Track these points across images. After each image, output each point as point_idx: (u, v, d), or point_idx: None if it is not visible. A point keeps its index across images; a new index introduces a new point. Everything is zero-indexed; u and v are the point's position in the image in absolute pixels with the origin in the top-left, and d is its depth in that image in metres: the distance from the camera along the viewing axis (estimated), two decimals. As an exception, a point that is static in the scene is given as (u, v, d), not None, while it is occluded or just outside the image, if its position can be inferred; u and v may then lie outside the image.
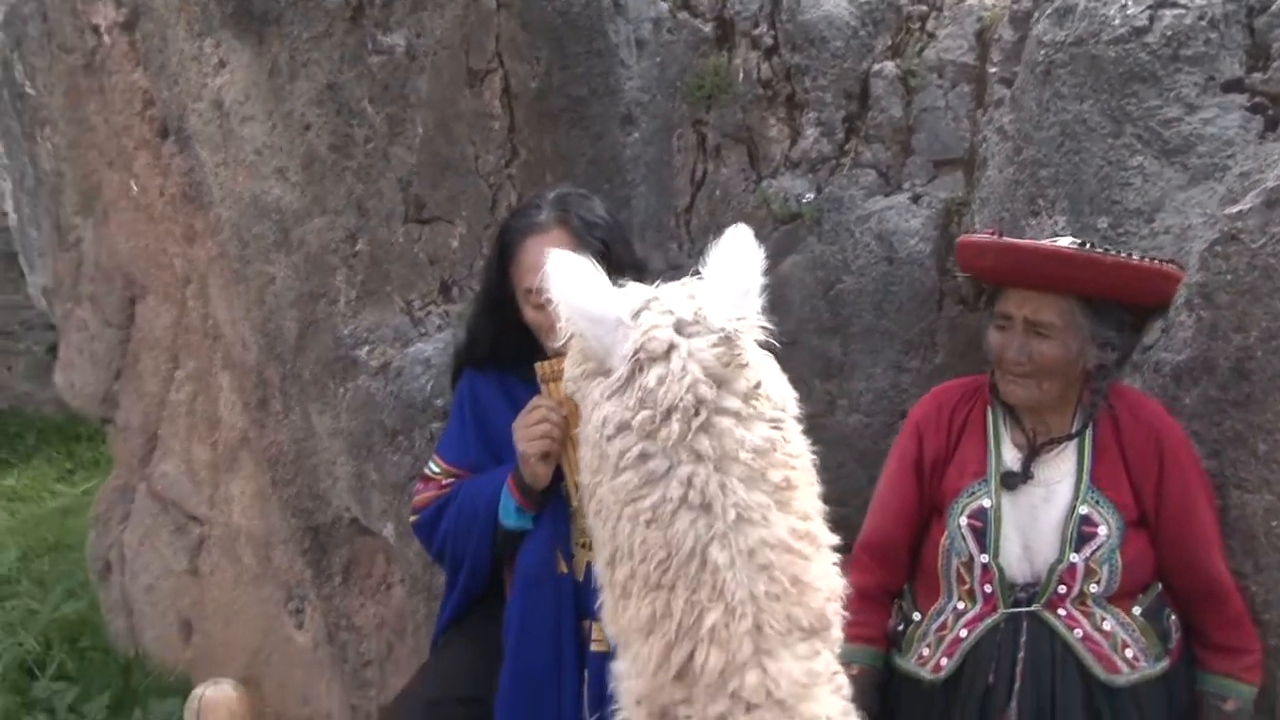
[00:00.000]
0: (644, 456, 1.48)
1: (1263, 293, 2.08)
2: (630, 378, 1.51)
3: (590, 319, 1.55)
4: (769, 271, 3.13)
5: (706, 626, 1.42)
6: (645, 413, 1.48)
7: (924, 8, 3.17)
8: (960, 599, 2.08)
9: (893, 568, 2.19)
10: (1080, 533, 2.01)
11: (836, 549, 1.57)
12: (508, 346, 2.43)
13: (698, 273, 1.73)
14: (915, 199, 3.00)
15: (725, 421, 1.46)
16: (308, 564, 3.30)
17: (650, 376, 1.49)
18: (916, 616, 2.16)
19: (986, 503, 2.06)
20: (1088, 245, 2.04)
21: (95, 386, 3.73)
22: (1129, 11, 2.44)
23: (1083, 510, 2.03)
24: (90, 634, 4.16)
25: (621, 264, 2.37)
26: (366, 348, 2.89)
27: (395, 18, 2.79)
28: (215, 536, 3.57)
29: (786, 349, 3.14)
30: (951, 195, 2.97)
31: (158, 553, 3.77)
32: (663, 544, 1.45)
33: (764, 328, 1.64)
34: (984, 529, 2.05)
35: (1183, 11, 2.39)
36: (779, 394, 1.55)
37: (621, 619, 1.51)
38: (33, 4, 3.32)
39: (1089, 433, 2.07)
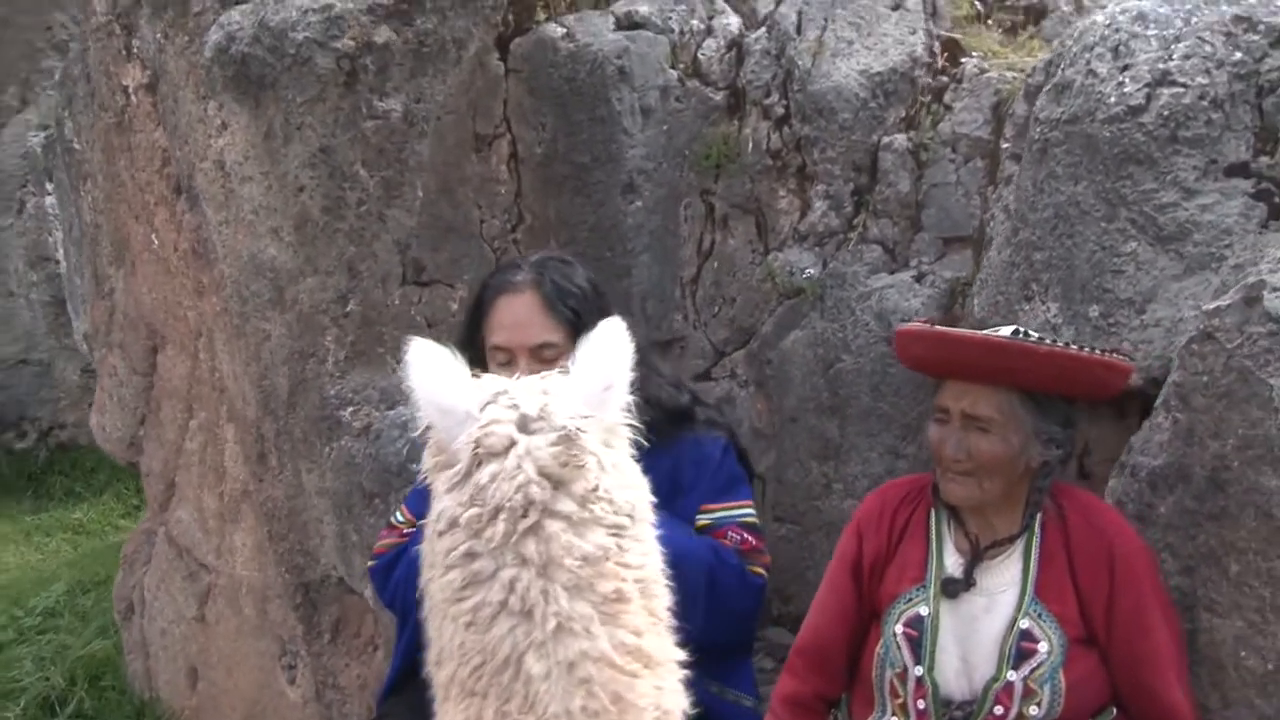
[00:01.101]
0: (470, 555, 1.40)
1: (1239, 398, 1.91)
2: (468, 473, 1.43)
3: (440, 410, 1.48)
4: (773, 346, 3.10)
5: None
6: (474, 510, 1.40)
7: (944, 79, 3.08)
8: (894, 713, 1.94)
9: (828, 674, 2.06)
10: (1019, 649, 1.86)
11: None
12: None
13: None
14: (919, 278, 2.89)
15: (555, 525, 1.37)
16: (300, 620, 3.30)
17: (484, 473, 1.41)
18: (847, 729, 2.02)
19: (924, 610, 1.93)
20: (1022, 334, 1.91)
21: (123, 431, 3.82)
22: (1126, 89, 2.30)
23: (1024, 624, 1.88)
24: (111, 673, 4.24)
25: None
26: (351, 408, 2.89)
27: (392, 83, 2.82)
28: (221, 585, 3.60)
29: (786, 427, 3.07)
30: (957, 275, 2.85)
31: (171, 598, 3.83)
32: (480, 649, 1.37)
33: (629, 425, 1.54)
34: (919, 639, 1.92)
35: (1181, 90, 2.25)
36: (625, 498, 1.45)
37: None
38: (79, 65, 3.47)
39: (1035, 538, 1.92)
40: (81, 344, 3.97)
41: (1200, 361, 1.99)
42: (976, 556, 1.94)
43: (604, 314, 2.39)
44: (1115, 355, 1.92)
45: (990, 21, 3.33)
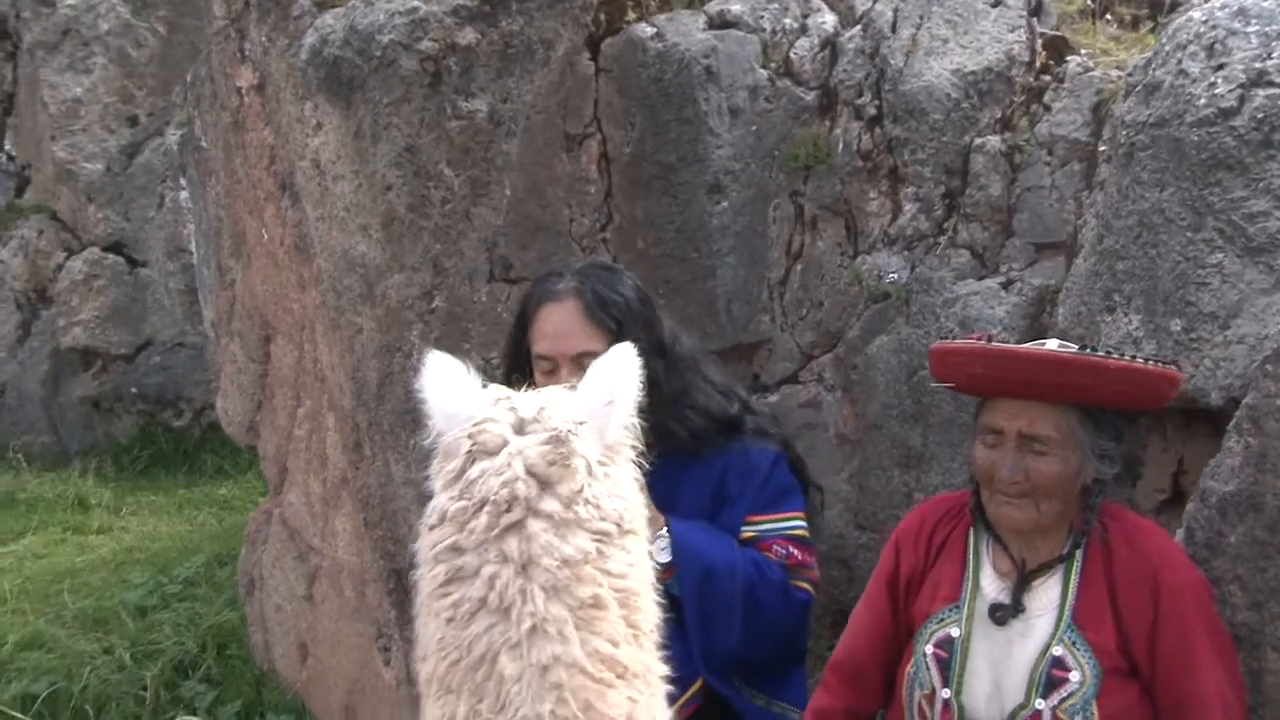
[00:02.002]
0: (455, 549, 1.42)
1: (1316, 424, 1.77)
2: (462, 470, 1.46)
3: (446, 415, 1.52)
4: (859, 351, 3.04)
5: None
6: (462, 503, 1.43)
7: (1046, 79, 2.94)
8: (922, 734, 1.88)
9: (861, 691, 2.01)
10: (1050, 677, 1.78)
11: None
12: None
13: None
14: (1007, 285, 2.78)
15: (537, 524, 1.39)
16: (393, 604, 3.40)
17: (476, 469, 1.45)
18: (879, 747, 1.97)
19: (955, 632, 1.86)
20: (1088, 350, 1.81)
21: (242, 415, 4.03)
22: (1217, 90, 2.16)
23: (1056, 651, 1.79)
24: (236, 644, 4.47)
25: (638, 345, 2.32)
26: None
27: (477, 84, 2.87)
28: (325, 568, 3.75)
29: (870, 434, 3.01)
30: (1047, 283, 2.73)
31: (284, 576, 4.01)
32: (457, 645, 1.39)
33: (632, 442, 1.56)
34: (949, 661, 1.85)
35: (1277, 91, 2.09)
36: (614, 507, 1.45)
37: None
38: (205, 67, 3.66)
39: (1077, 560, 1.82)
40: (209, 331, 4.20)
41: (1274, 384, 1.85)
42: (1023, 581, 1.85)
43: (648, 324, 2.40)
44: (1172, 366, 1.81)
45: (1108, 16, 3.17)
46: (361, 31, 2.78)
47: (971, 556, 1.91)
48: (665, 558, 2.22)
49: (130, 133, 6.57)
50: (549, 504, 1.40)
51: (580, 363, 2.27)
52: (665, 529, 2.25)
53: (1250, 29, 2.19)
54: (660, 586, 2.31)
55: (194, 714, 4.18)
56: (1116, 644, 1.77)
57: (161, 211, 5.18)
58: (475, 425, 1.47)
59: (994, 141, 2.84)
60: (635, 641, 1.43)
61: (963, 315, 2.77)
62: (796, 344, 3.17)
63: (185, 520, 6.01)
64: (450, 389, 1.56)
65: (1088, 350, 1.81)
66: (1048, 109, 2.85)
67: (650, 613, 1.48)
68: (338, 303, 3.12)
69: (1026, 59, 2.91)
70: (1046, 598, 1.83)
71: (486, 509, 1.41)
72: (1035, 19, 3.00)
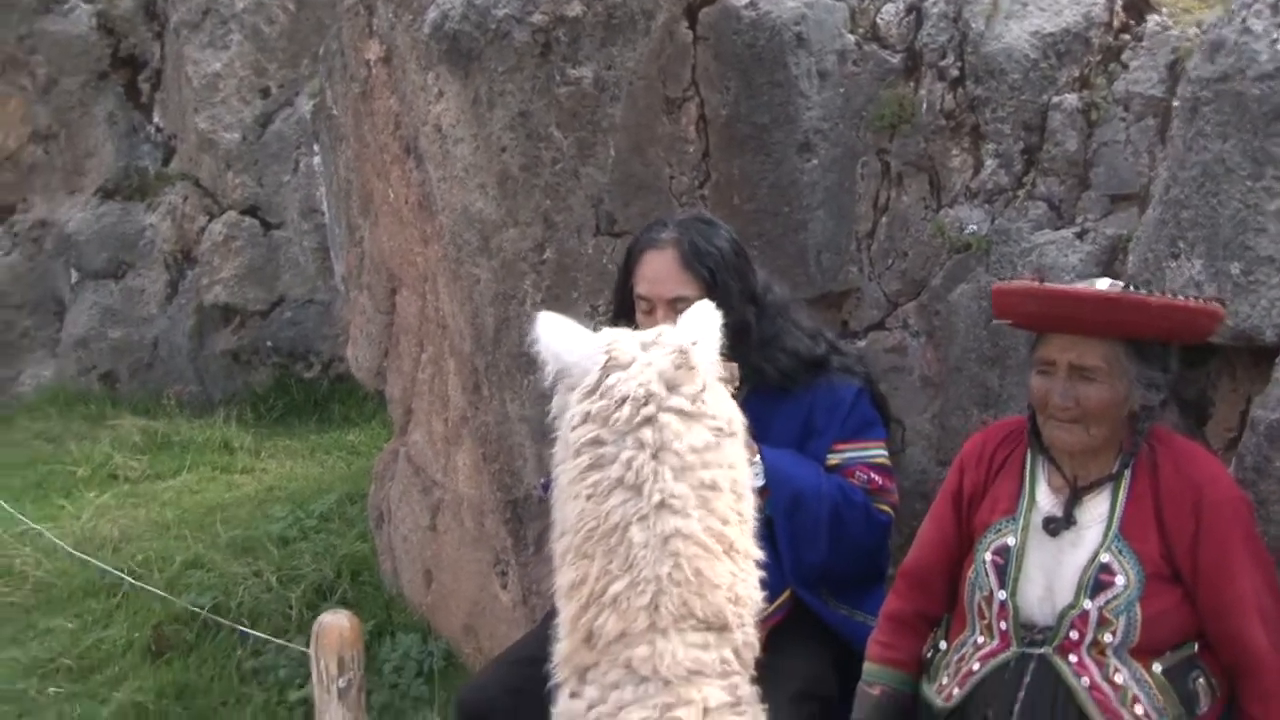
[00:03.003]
0: (597, 442, 1.73)
1: (1343, 354, 1.92)
2: (599, 381, 1.75)
3: (567, 355, 1.82)
4: (941, 299, 3.22)
5: (610, 594, 1.64)
6: (604, 403, 1.72)
7: (1126, 38, 3.06)
8: (980, 633, 2.10)
9: (928, 595, 2.24)
10: (1097, 580, 1.98)
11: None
12: None
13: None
14: (1081, 234, 2.93)
15: (668, 417, 1.69)
16: (509, 533, 3.73)
17: (614, 378, 1.74)
18: (943, 645, 2.19)
19: (1011, 541, 2.07)
20: (1132, 288, 1.99)
21: (371, 362, 4.39)
22: (1278, 46, 2.29)
23: (1104, 558, 1.99)
24: (368, 571, 4.88)
25: (730, 291, 2.58)
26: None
27: (583, 53, 3.12)
28: (447, 500, 4.10)
29: (951, 376, 3.20)
30: (1120, 232, 2.87)
31: (410, 509, 4.38)
32: (595, 516, 1.69)
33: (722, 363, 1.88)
34: (1005, 566, 2.06)
35: (1333, 47, 2.22)
36: (724, 411, 1.75)
37: (555, 585, 1.76)
38: (335, 42, 4.00)
39: (1125, 478, 2.01)
40: (340, 285, 4.58)
41: (1309, 319, 2.00)
42: (1075, 495, 2.05)
43: (741, 274, 2.66)
44: (1214, 302, 1.99)
45: (1197, -28, 3.26)
46: (479, 6, 3.06)
47: (1028, 475, 2.12)
48: (759, 482, 2.47)
49: (263, 104, 7.03)
50: (677, 400, 1.70)
51: (675, 306, 2.52)
52: (758, 456, 2.50)
53: (1310, -13, 2.31)
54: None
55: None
56: (1160, 553, 1.96)
57: (296, 176, 5.61)
58: (608, 346, 1.77)
59: (1071, 99, 2.98)
60: (741, 524, 1.72)
61: (1039, 264, 2.93)
62: (883, 292, 3.36)
63: (317, 463, 6.47)
64: (567, 336, 1.86)
65: (1132, 288, 1.98)
66: (1125, 67, 2.98)
67: (750, 504, 1.76)
68: (458, 255, 3.42)
69: (1105, 19, 3.04)
70: (1096, 511, 2.03)
71: (627, 404, 1.70)
72: (1116, -20, 3.12)
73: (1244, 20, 2.35)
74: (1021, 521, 2.07)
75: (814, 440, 2.60)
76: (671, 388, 1.70)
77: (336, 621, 2.66)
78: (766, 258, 3.35)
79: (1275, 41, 2.27)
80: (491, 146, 3.17)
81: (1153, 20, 3.00)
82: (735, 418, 1.78)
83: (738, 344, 2.59)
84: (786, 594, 2.50)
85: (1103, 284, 2.05)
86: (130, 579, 4.60)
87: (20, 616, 4.72)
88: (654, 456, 1.65)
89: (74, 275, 8.07)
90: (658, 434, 1.66)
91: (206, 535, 5.28)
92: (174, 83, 7.72)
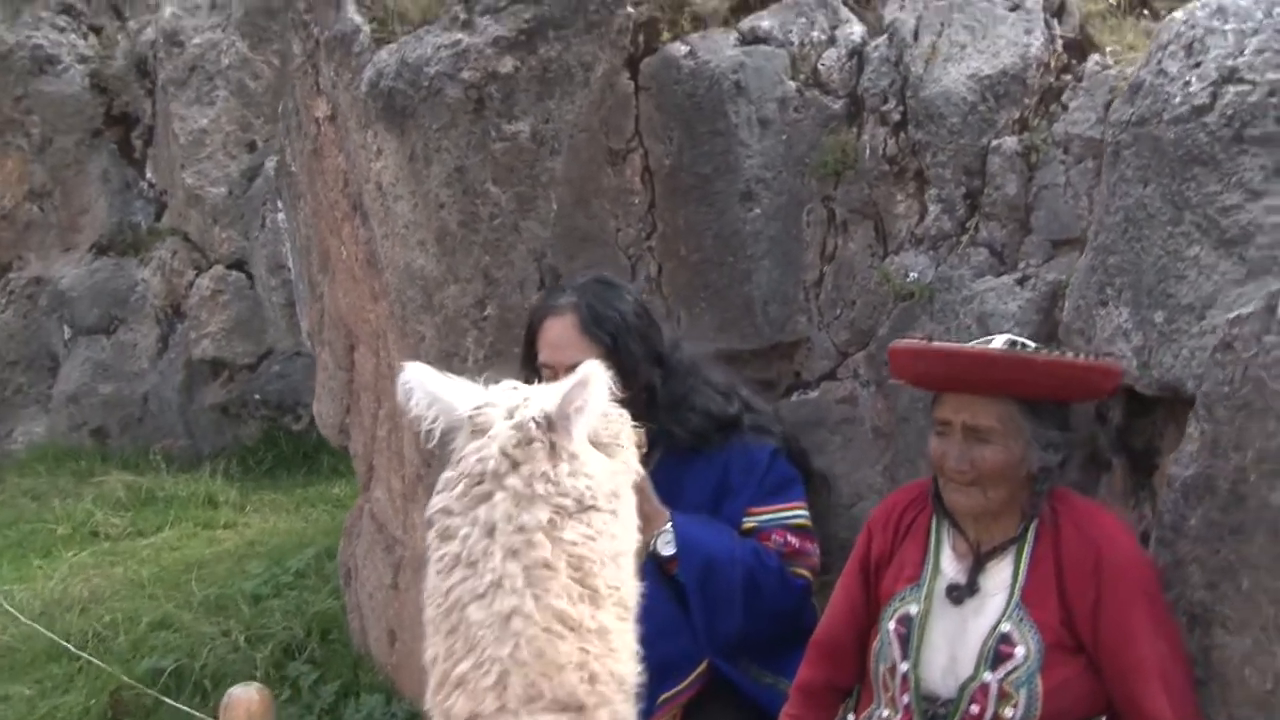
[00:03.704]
0: (446, 512, 1.71)
1: (1256, 409, 1.85)
2: (463, 446, 1.73)
3: (442, 409, 1.79)
4: (887, 347, 3.15)
5: (457, 674, 1.59)
6: (453, 474, 1.72)
7: (1068, 77, 3.02)
8: (885, 705, 2.02)
9: (838, 666, 2.16)
10: (997, 651, 1.90)
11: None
12: None
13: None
14: (1022, 281, 2.87)
15: (500, 496, 1.64)
16: (465, 592, 3.66)
17: (471, 446, 1.71)
18: (850, 718, 2.11)
19: (914, 609, 1.99)
20: (1019, 345, 1.92)
21: (334, 418, 4.36)
22: (1191, 89, 2.24)
23: (1005, 628, 1.91)
24: (337, 629, 4.82)
25: (632, 355, 2.55)
26: (487, 402, 3.21)
27: (519, 108, 3.10)
28: (408, 559, 4.04)
29: (900, 426, 3.13)
30: (1061, 278, 2.81)
31: (374, 567, 4.32)
32: (441, 592, 1.65)
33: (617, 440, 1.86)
34: (908, 636, 1.98)
35: (1248, 88, 2.17)
36: (576, 486, 1.69)
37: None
38: (291, 99, 4.00)
39: (1028, 543, 1.93)
40: (306, 341, 4.56)
41: (1221, 371, 1.94)
42: (979, 562, 1.98)
43: (643, 336, 2.61)
44: (1109, 359, 1.91)
45: (1145, 10, 3.22)
46: (411, 64, 3.05)
47: (933, 539, 2.04)
48: (669, 550, 2.42)
49: (249, 158, 7.08)
50: (513, 480, 1.64)
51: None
52: (669, 523, 2.43)
53: (1227, 27, 2.26)
54: (667, 575, 2.51)
55: (299, 692, 4.54)
56: (1060, 620, 1.88)
57: (264, 231, 5.63)
58: (476, 409, 1.75)
59: (1010, 142, 2.93)
60: (590, 602, 1.65)
61: (979, 311, 2.87)
62: (833, 342, 3.31)
63: (301, 517, 6.44)
64: (441, 389, 1.84)
65: (1018, 346, 1.92)
66: (1065, 108, 2.93)
67: (614, 580, 1.70)
68: (403, 312, 3.39)
69: (1044, 59, 2.99)
70: (999, 578, 1.95)
71: (465, 480, 1.68)
72: (1056, 20, 3.08)
73: (1159, 62, 2.30)
74: (925, 589, 2.00)
75: (729, 501, 2.54)
76: (514, 465, 1.65)
77: (245, 695, 2.60)
78: (714, 309, 3.31)
79: (1188, 84, 2.22)
80: (430, 203, 3.15)
81: (1092, 60, 2.95)
82: (593, 492, 1.72)
83: (644, 407, 2.56)
84: (703, 666, 2.43)
85: (999, 341, 1.99)
86: (75, 648, 4.54)
87: (-22, 682, 4.68)
88: (488, 534, 1.61)
89: (67, 331, 8.12)
90: (489, 512, 1.63)
91: (180, 594, 5.24)
92: (164, 139, 7.79)
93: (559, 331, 2.53)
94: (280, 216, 4.50)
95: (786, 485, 2.57)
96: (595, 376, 1.80)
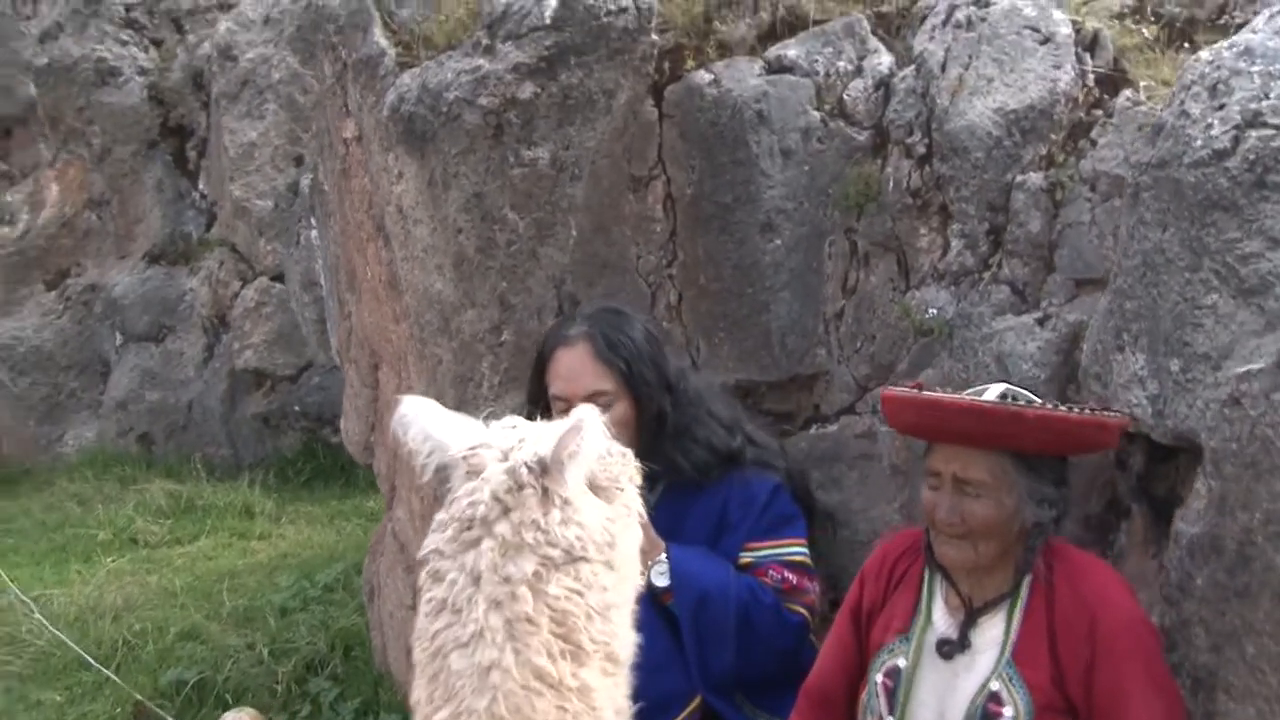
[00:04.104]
0: (438, 553, 1.67)
1: (1264, 468, 1.77)
2: (459, 487, 1.70)
3: (437, 446, 1.78)
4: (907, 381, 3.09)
5: None
6: (445, 515, 1.68)
7: (1099, 113, 2.94)
8: (873, 758, 1.96)
9: (830, 715, 2.10)
10: (985, 710, 1.83)
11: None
12: None
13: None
14: (1042, 321, 2.79)
15: (488, 544, 1.61)
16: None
17: (464, 488, 1.68)
18: (840, 767, 2.05)
19: (902, 662, 1.93)
20: (1010, 397, 1.86)
21: (360, 436, 4.37)
22: (1213, 132, 2.16)
23: (994, 686, 1.84)
24: (360, 646, 4.83)
25: (646, 381, 2.53)
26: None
27: (539, 134, 3.09)
28: (426, 579, 4.03)
29: (916, 464, 3.06)
30: (1083, 319, 2.73)
31: (395, 586, 4.32)
32: (429, 637, 1.62)
33: (618, 484, 1.81)
34: (895, 690, 1.92)
35: (1271, 133, 2.09)
36: (566, 536, 1.64)
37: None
38: (323, 119, 4.03)
39: (1021, 599, 1.87)
40: (335, 358, 4.59)
41: (1229, 427, 1.86)
42: (970, 618, 1.91)
43: (655, 363, 2.58)
44: (1107, 413, 1.84)
45: (1186, 44, 3.13)
46: (431, 89, 3.05)
47: (925, 591, 1.98)
48: (664, 582, 2.38)
49: (296, 171, 7.17)
50: (502, 527, 1.61)
51: (592, 401, 2.46)
52: (664, 555, 2.40)
53: (1254, 68, 2.18)
54: (662, 607, 2.47)
55: (319, 709, 4.55)
56: (1051, 681, 1.80)
57: (298, 248, 5.71)
58: (470, 450, 1.72)
59: (1035, 178, 2.86)
60: (573, 659, 1.60)
61: (998, 351, 2.80)
62: (852, 376, 3.25)
63: (334, 530, 6.48)
64: (436, 426, 1.82)
65: (1009, 399, 1.85)
66: (1094, 145, 2.86)
67: (601, 634, 1.64)
68: (421, 335, 3.39)
69: (1075, 95, 2.92)
70: (991, 634, 1.88)
71: (455, 524, 1.65)
72: (1089, 54, 3.00)
73: (1182, 103, 2.23)
74: (915, 642, 1.93)
75: (727, 536, 2.49)
76: (505, 511, 1.61)
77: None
78: (732, 339, 3.27)
79: (1210, 127, 2.14)
80: (448, 228, 3.15)
81: (1123, 96, 2.87)
82: (585, 542, 1.66)
83: (654, 435, 2.53)
84: (696, 701, 2.38)
85: (993, 392, 1.92)
86: (104, 657, 4.61)
87: (16, 687, 4.75)
88: (473, 582, 1.58)
89: (119, 338, 8.27)
90: (476, 560, 1.59)
91: (210, 604, 5.29)
92: (216, 151, 7.93)
93: (572, 361, 2.51)
94: (314, 233, 4.56)
95: (786, 522, 2.53)
96: (590, 420, 1.77)
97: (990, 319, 2.87)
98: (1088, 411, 1.87)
